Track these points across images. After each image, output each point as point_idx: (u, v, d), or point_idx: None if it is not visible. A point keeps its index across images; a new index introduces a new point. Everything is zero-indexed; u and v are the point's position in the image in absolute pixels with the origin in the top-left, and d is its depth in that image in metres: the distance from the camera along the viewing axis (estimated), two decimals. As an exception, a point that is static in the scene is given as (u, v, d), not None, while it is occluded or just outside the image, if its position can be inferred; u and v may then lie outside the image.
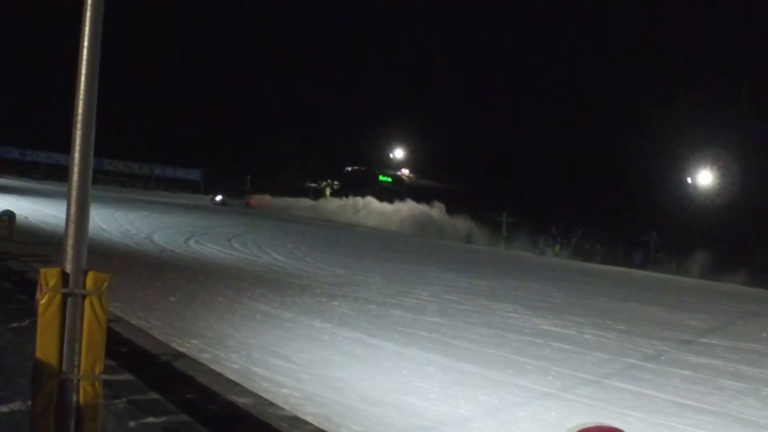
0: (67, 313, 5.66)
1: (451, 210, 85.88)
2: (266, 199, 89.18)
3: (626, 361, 16.11)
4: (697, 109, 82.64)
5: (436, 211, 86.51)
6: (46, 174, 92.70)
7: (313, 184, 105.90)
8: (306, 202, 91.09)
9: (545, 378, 13.44)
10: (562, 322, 21.04)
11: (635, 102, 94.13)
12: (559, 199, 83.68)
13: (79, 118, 5.72)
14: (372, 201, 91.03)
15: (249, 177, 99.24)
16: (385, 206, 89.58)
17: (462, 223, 77.92)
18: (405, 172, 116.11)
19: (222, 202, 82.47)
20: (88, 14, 5.74)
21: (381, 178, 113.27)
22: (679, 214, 73.74)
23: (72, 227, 5.71)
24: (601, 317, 23.02)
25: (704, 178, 77.41)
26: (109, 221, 40.27)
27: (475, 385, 12.30)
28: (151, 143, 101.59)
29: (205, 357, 11.99)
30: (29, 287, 14.01)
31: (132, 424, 7.58)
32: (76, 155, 5.71)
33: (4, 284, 16.34)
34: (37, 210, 41.07)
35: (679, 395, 13.15)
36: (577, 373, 14.14)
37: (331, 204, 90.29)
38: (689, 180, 78.95)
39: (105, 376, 6.02)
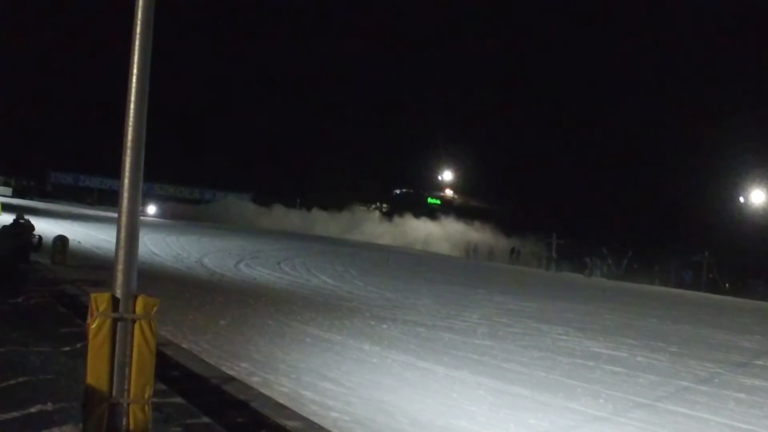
0: (117, 338, 5.73)
1: (499, 231, 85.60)
2: (177, 207, 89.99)
3: (679, 383, 15.87)
4: (749, 127, 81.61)
5: (485, 232, 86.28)
6: (98, 199, 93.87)
7: (363, 207, 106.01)
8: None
9: (597, 401, 13.28)
10: (613, 344, 20.79)
11: (687, 121, 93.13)
12: (609, 220, 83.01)
13: (129, 144, 5.80)
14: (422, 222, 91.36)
15: (299, 200, 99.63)
16: (434, 228, 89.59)
17: (511, 245, 77.55)
18: (449, 193, 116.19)
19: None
20: (137, 42, 5.83)
21: (430, 200, 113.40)
22: (732, 234, 72.72)
23: (122, 252, 5.79)
24: (654, 339, 22.71)
25: (757, 197, 76.34)
26: (161, 245, 40.67)
27: (525, 409, 12.19)
28: (202, 167, 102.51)
29: (254, 380, 12.02)
30: (82, 311, 14.19)
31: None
32: (126, 181, 5.79)
33: (57, 308, 16.55)
34: (90, 235, 41.60)
35: (733, 418, 12.92)
36: (629, 396, 13.96)
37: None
38: (741, 199, 77.88)
39: (156, 400, 6.06)
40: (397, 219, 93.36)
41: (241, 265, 35.50)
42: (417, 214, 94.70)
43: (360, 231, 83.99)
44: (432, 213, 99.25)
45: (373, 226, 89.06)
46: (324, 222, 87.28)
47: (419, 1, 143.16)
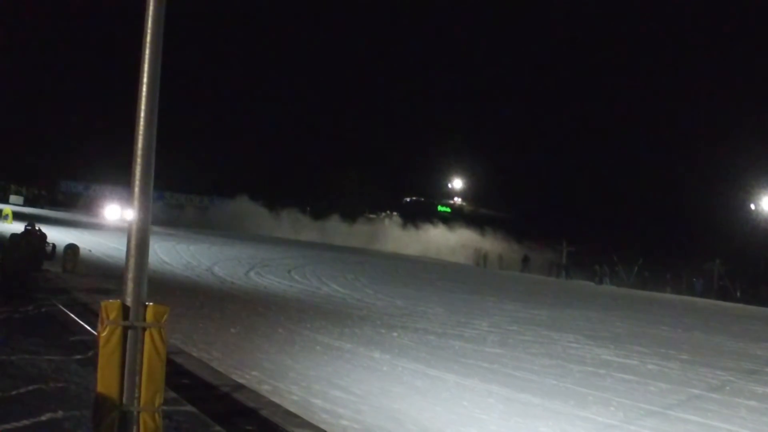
0: (128, 346, 5.73)
1: (510, 239, 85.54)
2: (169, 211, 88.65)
3: (690, 391, 15.80)
4: (760, 133, 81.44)
5: (495, 240, 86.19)
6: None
7: (372, 215, 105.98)
8: None
9: (608, 409, 13.24)
10: (624, 352, 20.73)
11: (696, 127, 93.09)
12: (620, 227, 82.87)
13: (139, 152, 5.81)
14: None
15: (309, 208, 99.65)
16: (452, 236, 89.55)
17: (521, 252, 77.43)
18: (457, 201, 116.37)
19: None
20: (147, 51, 5.85)
21: (440, 208, 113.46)
22: (743, 241, 72.51)
23: (132, 261, 5.79)
24: (665, 347, 22.63)
25: (768, 204, 76.15)
26: (171, 254, 40.72)
27: (536, 417, 12.16)
28: (212, 176, 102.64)
29: (265, 389, 12.03)
30: (92, 319, 14.22)
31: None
32: (136, 189, 5.80)
33: (68, 316, 16.59)
34: (101, 243, 41.66)
35: (745, 426, 12.86)
36: (640, 404, 13.90)
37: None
38: (752, 206, 77.65)
39: (167, 408, 6.06)
40: (413, 228, 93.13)
41: (252, 274, 35.53)
42: (434, 223, 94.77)
43: (381, 241, 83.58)
44: (444, 221, 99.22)
45: (396, 236, 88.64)
46: (343, 234, 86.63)
47: (428, 11, 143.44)
